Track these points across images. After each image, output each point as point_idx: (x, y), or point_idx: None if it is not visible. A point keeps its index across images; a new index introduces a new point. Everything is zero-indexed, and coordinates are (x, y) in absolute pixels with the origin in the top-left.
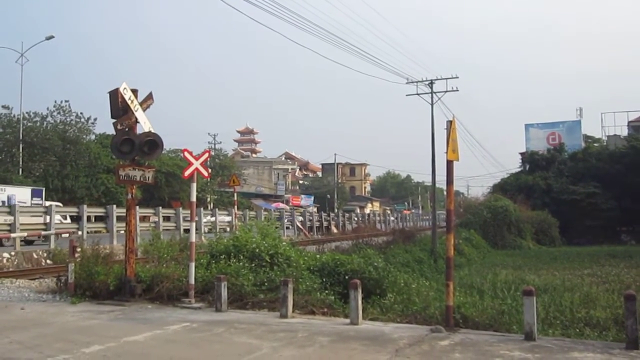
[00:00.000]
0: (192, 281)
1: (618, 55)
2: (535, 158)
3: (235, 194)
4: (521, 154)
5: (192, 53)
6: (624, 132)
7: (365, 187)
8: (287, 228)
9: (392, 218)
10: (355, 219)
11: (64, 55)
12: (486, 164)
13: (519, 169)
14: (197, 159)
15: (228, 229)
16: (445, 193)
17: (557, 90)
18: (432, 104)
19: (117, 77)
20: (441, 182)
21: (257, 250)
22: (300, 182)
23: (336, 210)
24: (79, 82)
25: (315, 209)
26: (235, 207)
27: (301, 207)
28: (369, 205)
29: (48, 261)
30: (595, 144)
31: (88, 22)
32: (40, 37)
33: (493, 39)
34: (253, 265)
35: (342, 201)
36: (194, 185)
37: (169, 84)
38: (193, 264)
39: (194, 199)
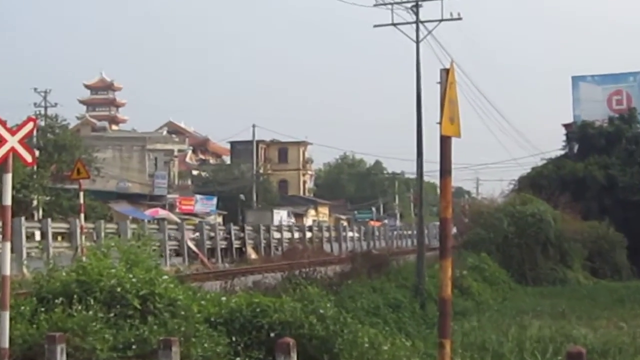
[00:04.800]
0: (7, 343)
1: None
2: (589, 133)
3: (82, 194)
4: (565, 126)
5: None
6: None
7: (305, 182)
8: (173, 252)
9: (350, 234)
10: (289, 235)
11: None
12: (508, 143)
13: (562, 151)
14: (13, 132)
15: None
16: (438, 191)
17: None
18: (417, 42)
19: None
20: (432, 172)
21: (119, 289)
22: (195, 172)
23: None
24: None
25: (220, 219)
26: (82, 215)
27: (196, 215)
28: (312, 212)
29: None
30: None
31: None
32: None
33: None
34: (112, 315)
35: (265, 205)
36: (9, 178)
37: None
38: (7, 314)
39: (8, 202)
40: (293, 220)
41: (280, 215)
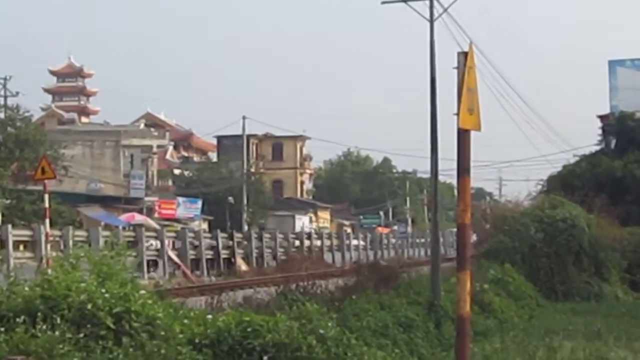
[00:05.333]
0: None
1: None
2: (629, 125)
3: (47, 197)
4: (601, 117)
5: None
6: None
7: (302, 182)
8: (151, 264)
9: (354, 242)
10: (284, 243)
11: None
12: (536, 138)
13: (597, 147)
14: None
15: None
16: (456, 193)
17: None
18: (431, 20)
19: None
20: (449, 171)
21: (89, 306)
22: (177, 171)
23: (247, 228)
24: None
25: (205, 225)
26: (48, 221)
27: (179, 221)
28: (311, 216)
29: None
30: None
31: None
32: None
33: None
34: (82, 335)
35: (258, 209)
36: None
37: None
38: None
39: None
40: (314, 225)
41: (302, 221)
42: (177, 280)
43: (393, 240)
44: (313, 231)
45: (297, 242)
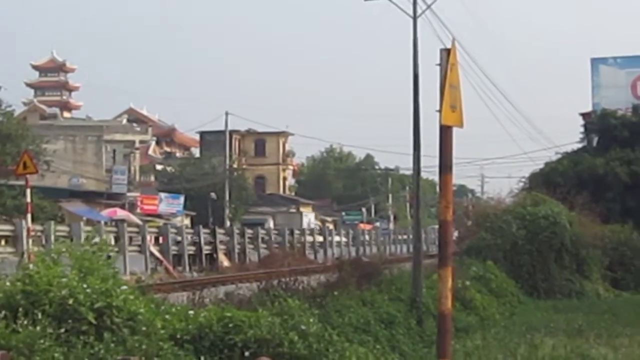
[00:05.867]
0: None
1: None
2: (611, 123)
3: (29, 192)
4: (583, 115)
5: None
6: None
7: (285, 178)
8: (134, 259)
9: (337, 238)
10: (266, 239)
11: None
12: (519, 135)
13: (579, 144)
14: None
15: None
16: (438, 189)
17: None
18: (414, 17)
19: None
20: (431, 168)
21: (70, 301)
22: (159, 167)
23: (229, 224)
24: None
25: (187, 221)
26: (29, 216)
27: (161, 216)
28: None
29: None
30: None
31: None
32: None
33: None
34: (63, 331)
35: (240, 206)
36: None
37: None
38: None
39: None
40: (319, 223)
41: (309, 218)
42: (159, 275)
43: (375, 237)
44: (318, 228)
45: (278, 237)
